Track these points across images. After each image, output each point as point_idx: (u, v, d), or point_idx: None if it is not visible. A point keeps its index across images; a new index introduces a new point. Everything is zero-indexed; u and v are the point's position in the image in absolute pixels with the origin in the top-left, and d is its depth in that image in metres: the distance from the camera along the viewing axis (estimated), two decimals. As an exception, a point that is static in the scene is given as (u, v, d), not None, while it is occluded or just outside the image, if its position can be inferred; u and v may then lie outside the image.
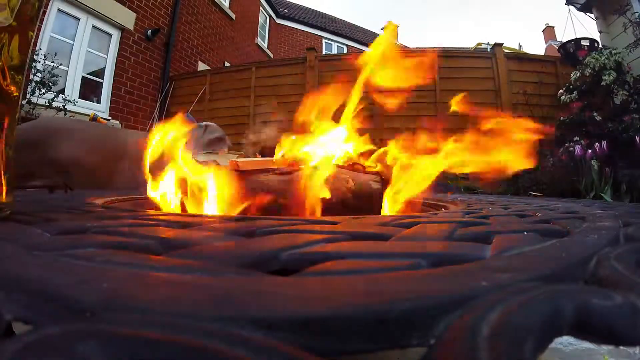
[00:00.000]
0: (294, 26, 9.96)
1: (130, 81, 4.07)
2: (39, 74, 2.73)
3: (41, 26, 3.12)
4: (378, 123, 3.63)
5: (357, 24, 13.56)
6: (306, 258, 0.25)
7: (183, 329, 0.12)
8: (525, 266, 0.22)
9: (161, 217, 0.48)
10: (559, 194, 2.79)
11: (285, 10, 10.11)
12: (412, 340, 0.13)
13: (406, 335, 0.13)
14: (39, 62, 2.77)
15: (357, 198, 0.84)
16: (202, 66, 5.35)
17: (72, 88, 3.48)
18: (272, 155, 1.05)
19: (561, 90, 3.24)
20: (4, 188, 0.44)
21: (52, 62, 2.81)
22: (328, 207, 0.82)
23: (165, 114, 4.35)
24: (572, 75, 3.19)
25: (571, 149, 2.79)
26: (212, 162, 0.95)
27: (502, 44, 3.70)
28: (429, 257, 0.25)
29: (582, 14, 4.19)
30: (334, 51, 10.20)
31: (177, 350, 0.11)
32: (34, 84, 2.69)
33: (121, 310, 0.14)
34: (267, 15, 9.03)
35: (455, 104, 1.02)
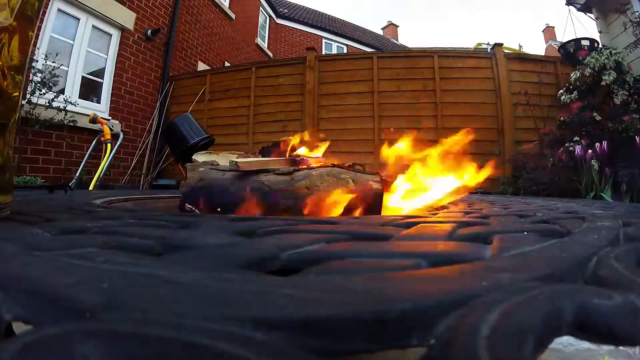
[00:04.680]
0: (294, 26, 9.96)
1: (130, 81, 4.06)
2: (39, 74, 2.73)
3: (41, 26, 3.11)
4: (379, 123, 3.64)
5: (357, 24, 13.56)
6: (306, 258, 0.25)
7: (183, 328, 0.12)
8: (525, 266, 0.22)
9: (161, 217, 0.48)
10: (559, 194, 2.79)
11: (285, 10, 10.11)
12: (412, 340, 0.13)
13: (406, 335, 0.13)
14: (39, 61, 2.76)
15: (357, 198, 0.84)
16: (202, 66, 5.35)
17: (72, 88, 3.47)
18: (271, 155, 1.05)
19: (561, 90, 3.23)
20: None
21: (52, 62, 2.80)
22: (328, 207, 0.81)
23: (165, 114, 4.35)
24: (572, 75, 3.18)
25: (571, 148, 2.78)
26: (212, 162, 0.95)
27: (502, 44, 3.70)
28: (429, 257, 0.25)
29: (582, 14, 4.19)
30: (334, 51, 10.20)
31: (177, 350, 0.11)
32: (34, 84, 2.68)
33: (121, 310, 0.14)
34: (267, 15, 9.02)
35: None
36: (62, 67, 3.14)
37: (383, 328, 0.13)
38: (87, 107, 3.49)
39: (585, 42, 3.33)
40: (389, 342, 0.13)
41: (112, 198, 1.03)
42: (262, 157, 1.11)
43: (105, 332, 0.12)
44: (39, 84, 2.69)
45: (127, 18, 3.97)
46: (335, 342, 0.13)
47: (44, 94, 2.74)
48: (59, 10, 3.36)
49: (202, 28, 5.44)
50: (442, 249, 0.28)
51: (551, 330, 0.14)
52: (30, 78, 2.68)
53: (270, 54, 8.62)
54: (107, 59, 3.86)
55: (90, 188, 2.53)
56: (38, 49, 2.95)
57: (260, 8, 8.41)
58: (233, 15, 6.37)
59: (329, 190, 0.82)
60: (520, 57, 3.82)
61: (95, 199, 0.91)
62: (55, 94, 2.85)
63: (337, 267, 0.23)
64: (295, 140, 1.03)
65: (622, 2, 3.13)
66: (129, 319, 0.13)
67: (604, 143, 2.59)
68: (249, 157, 1.05)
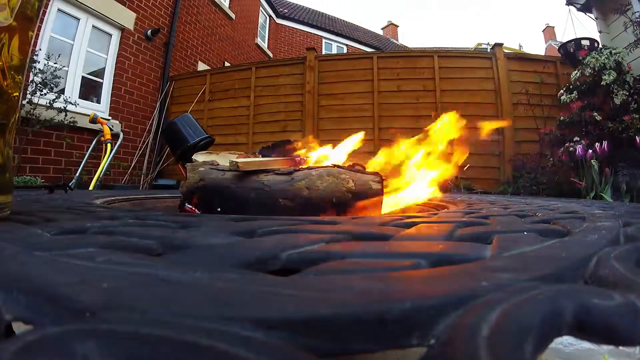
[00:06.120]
0: (294, 26, 9.96)
1: (130, 81, 4.06)
2: (39, 75, 2.73)
3: (41, 26, 3.11)
4: (379, 123, 3.64)
5: (357, 24, 13.56)
6: (306, 258, 0.25)
7: (183, 329, 0.12)
8: (525, 266, 0.22)
9: (161, 217, 0.48)
10: (559, 194, 2.79)
11: (285, 10, 10.11)
12: (412, 340, 0.13)
13: (406, 335, 0.13)
14: (39, 62, 2.76)
15: (357, 198, 0.84)
16: (202, 66, 5.35)
17: (72, 88, 3.47)
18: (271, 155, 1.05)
19: (561, 90, 3.23)
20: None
21: (54, 63, 2.80)
22: (328, 207, 0.81)
23: (165, 114, 4.35)
24: (572, 75, 3.18)
25: (571, 149, 2.78)
26: (212, 162, 0.95)
27: (502, 44, 3.69)
28: (429, 257, 0.25)
29: (582, 14, 4.19)
30: (334, 51, 10.19)
31: (177, 350, 0.11)
32: (34, 84, 2.68)
33: (121, 310, 0.14)
34: (267, 15, 9.02)
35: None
36: (63, 67, 3.15)
37: (383, 328, 0.13)
38: (87, 107, 3.49)
39: (585, 42, 3.33)
40: (389, 342, 0.13)
41: (112, 198, 1.03)
42: (262, 157, 1.11)
43: (105, 332, 0.12)
44: (39, 85, 2.69)
45: (127, 18, 3.97)
46: (335, 342, 0.13)
47: (45, 94, 2.74)
48: (59, 10, 3.36)
49: (202, 28, 5.44)
50: (442, 249, 0.28)
51: (551, 330, 0.14)
52: (31, 78, 2.68)
53: (270, 54, 8.62)
54: (107, 59, 3.86)
55: (90, 188, 2.53)
56: (40, 49, 2.95)
57: (260, 8, 8.41)
58: (233, 15, 6.37)
59: (330, 190, 0.82)
60: (520, 57, 3.82)
61: (95, 199, 0.91)
62: (56, 94, 2.85)
63: (337, 267, 0.23)
64: (302, 144, 1.04)
65: (622, 2, 3.13)
66: (129, 319, 0.13)
67: (604, 143, 2.59)
68: (249, 157, 1.05)
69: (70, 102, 2.97)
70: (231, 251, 0.28)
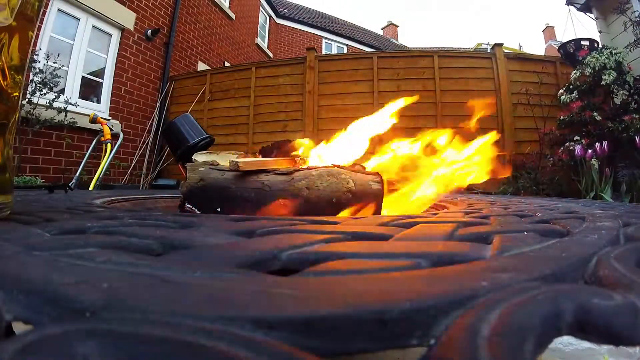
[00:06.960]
0: (293, 26, 9.96)
1: (130, 81, 4.06)
2: (39, 74, 2.73)
3: (41, 26, 3.11)
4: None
5: (357, 24, 13.56)
6: (306, 258, 0.25)
7: (183, 329, 0.12)
8: (525, 266, 0.22)
9: (161, 217, 0.48)
10: (559, 194, 2.79)
11: (285, 10, 10.11)
12: (412, 340, 0.13)
13: (406, 335, 0.13)
14: (39, 62, 2.76)
15: (357, 198, 0.84)
16: (202, 66, 5.35)
17: (72, 88, 3.47)
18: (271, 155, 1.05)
19: (561, 90, 3.23)
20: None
21: (54, 62, 2.80)
22: (328, 207, 0.81)
23: (165, 114, 4.35)
24: (572, 75, 3.18)
25: (571, 148, 2.79)
26: (212, 162, 0.95)
27: (502, 44, 3.70)
28: (429, 257, 0.25)
29: (582, 13, 4.19)
30: (334, 51, 10.20)
31: (177, 350, 0.11)
32: (34, 84, 2.68)
33: (121, 310, 0.14)
34: (267, 15, 9.02)
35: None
36: (62, 67, 3.15)
37: (383, 328, 0.13)
38: (87, 107, 3.49)
39: (585, 42, 3.33)
40: (389, 342, 0.13)
41: (112, 198, 1.03)
42: (262, 157, 1.11)
43: (105, 332, 0.12)
44: (39, 84, 2.69)
45: (127, 18, 3.97)
46: (335, 342, 0.13)
47: (45, 94, 2.74)
48: (59, 10, 3.36)
49: (202, 28, 5.44)
50: (442, 249, 0.28)
51: (551, 330, 0.14)
52: (31, 78, 2.68)
53: (270, 54, 8.62)
54: (107, 59, 3.87)
55: (90, 188, 2.53)
56: (40, 49, 2.95)
57: (260, 8, 8.41)
58: (233, 15, 6.37)
59: (329, 190, 0.82)
60: (520, 57, 3.82)
61: (95, 199, 0.91)
62: (56, 94, 2.85)
63: (337, 267, 0.23)
64: (298, 143, 1.04)
65: (622, 1, 3.13)
66: (129, 319, 0.13)
67: (604, 143, 2.59)
68: (249, 157, 1.05)
69: (70, 102, 2.97)
70: (231, 251, 0.28)
